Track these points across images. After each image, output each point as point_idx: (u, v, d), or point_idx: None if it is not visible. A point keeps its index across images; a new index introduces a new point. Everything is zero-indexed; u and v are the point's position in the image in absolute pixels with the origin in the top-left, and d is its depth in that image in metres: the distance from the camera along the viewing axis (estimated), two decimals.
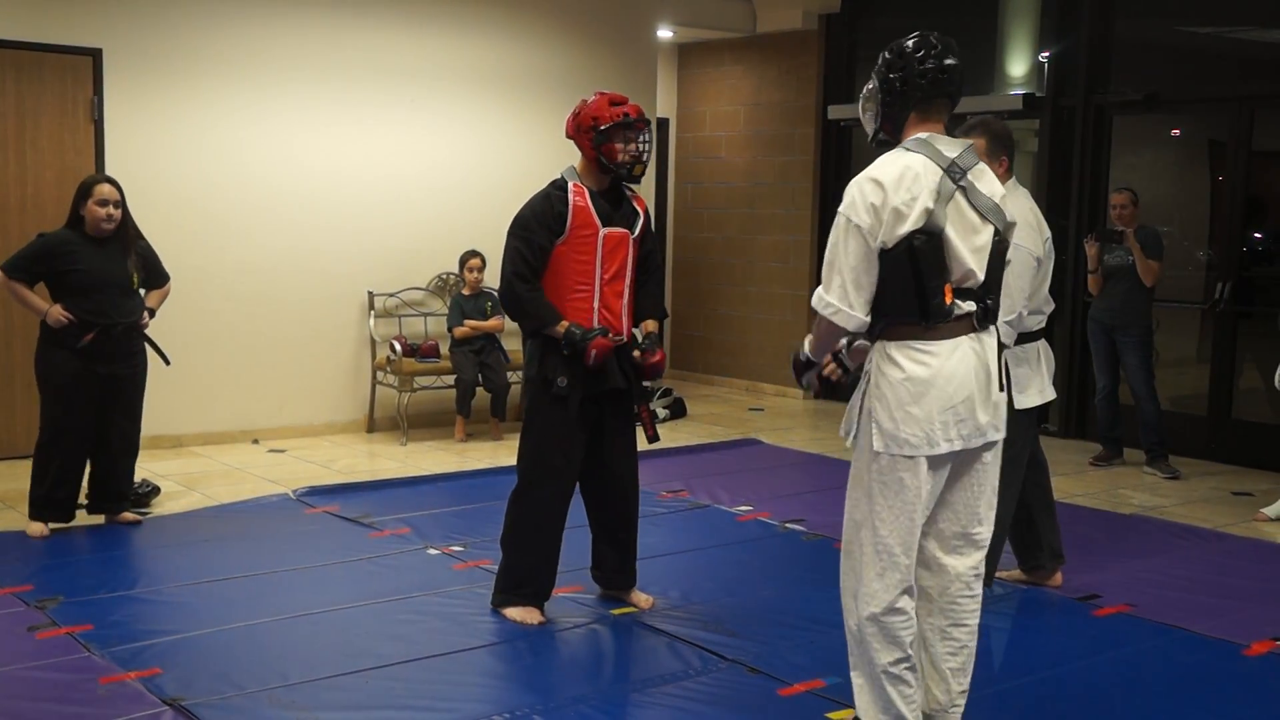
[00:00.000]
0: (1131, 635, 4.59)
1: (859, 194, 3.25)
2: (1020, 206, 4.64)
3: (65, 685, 3.89)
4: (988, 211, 3.30)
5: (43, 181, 7.08)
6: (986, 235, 3.30)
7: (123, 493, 5.80)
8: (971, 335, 3.31)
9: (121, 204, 5.54)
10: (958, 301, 3.28)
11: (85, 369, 5.50)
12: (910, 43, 3.35)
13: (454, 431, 8.12)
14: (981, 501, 3.42)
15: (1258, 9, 7.95)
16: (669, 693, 3.95)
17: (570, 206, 4.41)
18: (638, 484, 4.74)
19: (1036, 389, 4.79)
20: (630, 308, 4.57)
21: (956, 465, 3.37)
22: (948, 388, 3.26)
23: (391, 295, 8.43)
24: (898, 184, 3.21)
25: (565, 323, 4.38)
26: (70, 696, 3.80)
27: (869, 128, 3.50)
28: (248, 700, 3.79)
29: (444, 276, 8.59)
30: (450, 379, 8.14)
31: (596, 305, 4.45)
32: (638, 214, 4.59)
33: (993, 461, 3.42)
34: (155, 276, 5.81)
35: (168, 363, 5.88)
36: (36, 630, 4.38)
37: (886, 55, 3.40)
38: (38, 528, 5.60)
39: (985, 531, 3.44)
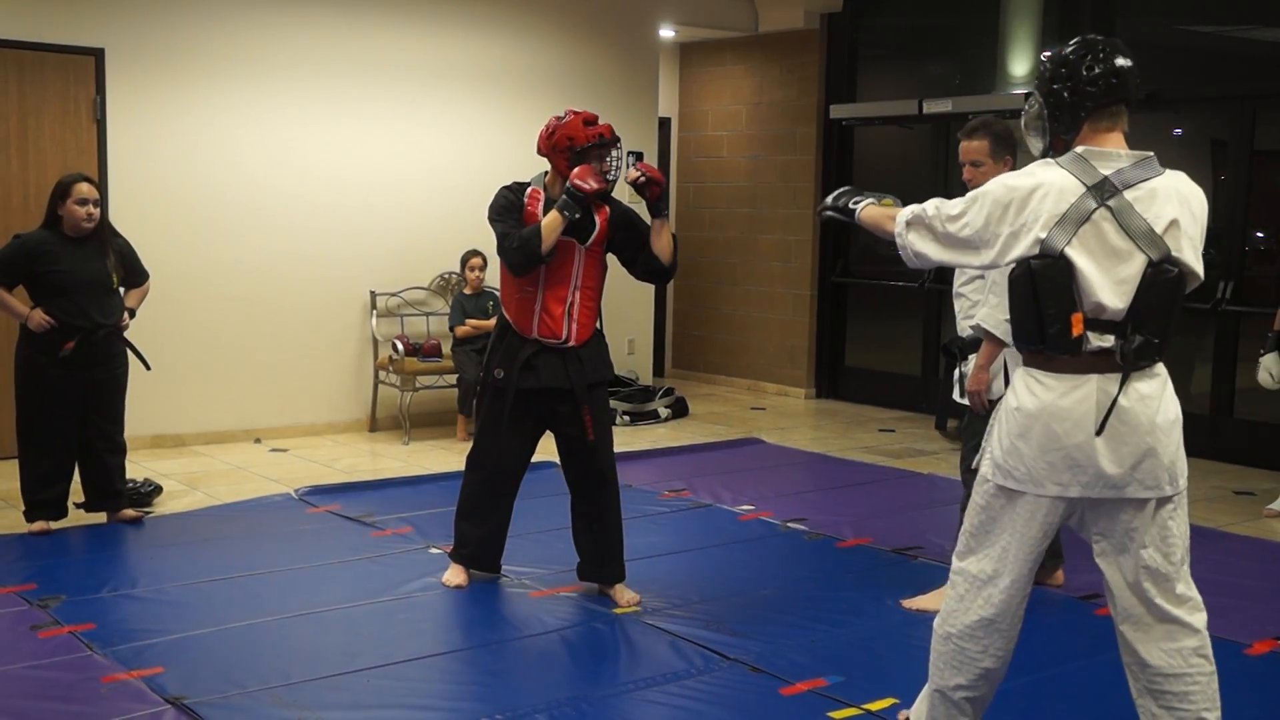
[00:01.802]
0: None
1: (994, 193, 3.03)
2: None
3: (67, 684, 3.89)
4: (1139, 236, 2.93)
5: (45, 181, 7.05)
6: (1136, 264, 2.93)
7: (117, 490, 5.79)
8: (1107, 375, 2.96)
9: (100, 203, 5.50)
10: (1090, 334, 2.95)
11: (67, 375, 5.45)
12: (1071, 48, 3.05)
13: (456, 431, 8.13)
14: (1156, 570, 3.04)
15: (1260, 8, 7.95)
16: (671, 692, 3.95)
17: (524, 207, 4.63)
18: (613, 476, 4.79)
19: None
20: (581, 315, 4.66)
21: (1103, 519, 3.07)
22: (1057, 426, 2.97)
23: (393, 295, 8.43)
24: (1024, 202, 2.97)
25: (551, 211, 4.53)
26: (72, 695, 3.81)
27: (1036, 147, 3.14)
28: (249, 699, 3.79)
29: (446, 276, 8.59)
30: (452, 378, 8.15)
31: (537, 309, 4.63)
32: (594, 225, 4.64)
33: (1165, 517, 3.03)
34: (134, 275, 5.76)
35: (148, 367, 5.85)
36: (39, 629, 4.38)
37: (1047, 65, 3.09)
38: (39, 527, 5.60)
39: (1184, 610, 3.07)
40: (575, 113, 4.68)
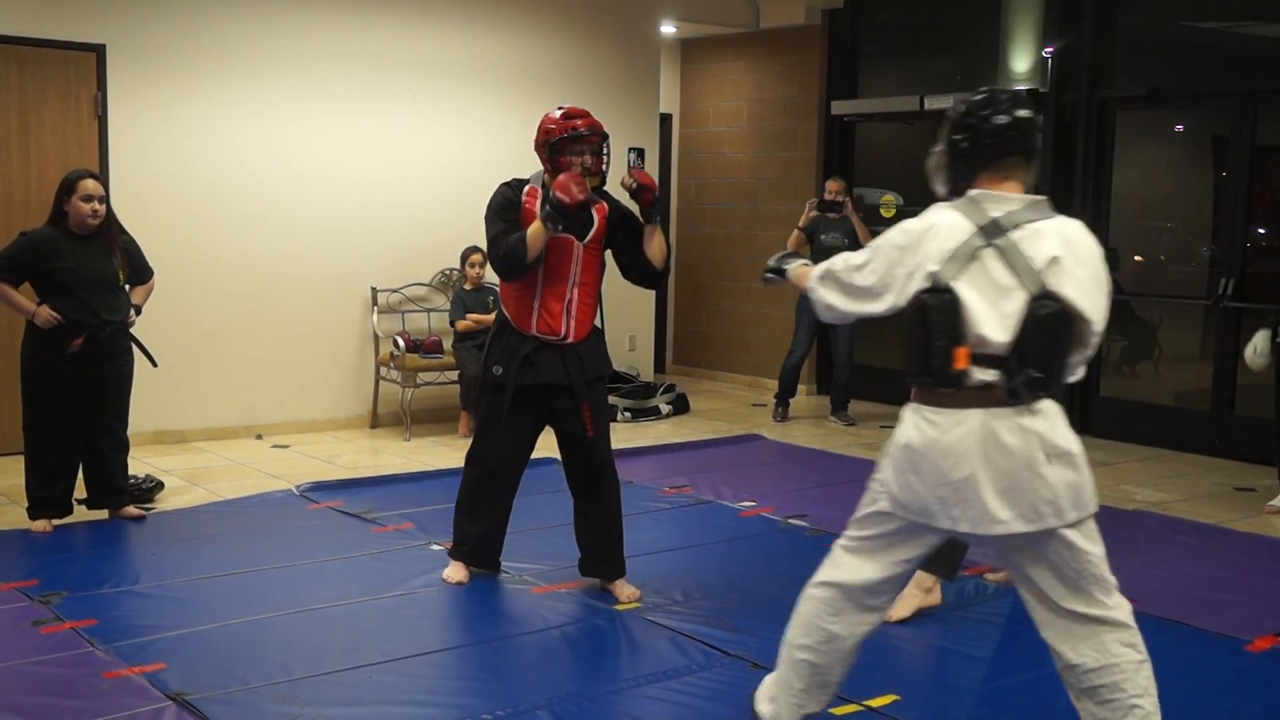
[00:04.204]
0: None
1: (892, 238, 3.20)
2: None
3: (69, 680, 3.90)
4: (1023, 273, 3.01)
5: (46, 178, 7.07)
6: (1019, 300, 3.01)
7: (120, 487, 5.79)
8: (990, 410, 3.02)
9: (105, 199, 5.50)
10: (974, 368, 3.03)
11: (74, 371, 5.46)
12: (976, 99, 3.19)
13: (458, 427, 8.13)
14: (1065, 592, 3.12)
15: (1261, 4, 7.94)
16: (671, 688, 3.95)
17: (521, 204, 4.67)
18: (612, 471, 4.80)
19: None
20: (579, 311, 4.67)
21: (1002, 549, 3.17)
22: (941, 463, 3.05)
23: (394, 291, 8.43)
24: (918, 244, 3.12)
25: (535, 222, 4.56)
26: (74, 691, 3.81)
27: (940, 191, 3.29)
28: (251, 695, 3.80)
29: (447, 272, 8.59)
30: (453, 374, 8.15)
31: (536, 305, 4.64)
32: (593, 221, 4.65)
33: (1062, 545, 3.08)
34: (140, 272, 5.75)
35: (154, 364, 5.86)
36: (41, 625, 4.39)
37: (951, 115, 3.23)
38: (40, 524, 5.60)
39: (1101, 609, 3.15)
40: (561, 108, 4.70)
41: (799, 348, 8.98)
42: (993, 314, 3.03)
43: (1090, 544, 3.12)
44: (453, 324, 8.18)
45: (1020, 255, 3.03)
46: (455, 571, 4.95)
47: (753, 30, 10.31)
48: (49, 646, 4.19)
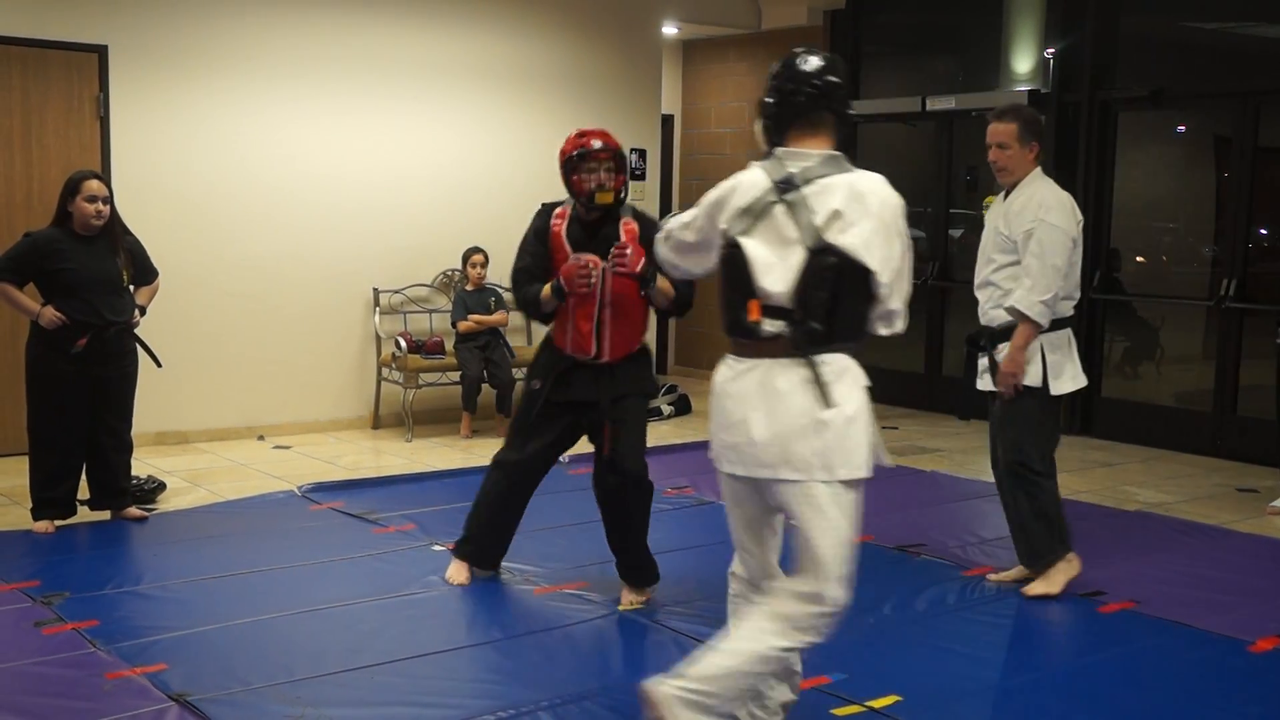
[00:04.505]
0: (1136, 632, 4.58)
1: (709, 196, 3.29)
2: (1048, 191, 4.73)
3: (71, 681, 3.90)
4: (805, 228, 3.09)
5: (48, 179, 7.07)
6: (800, 253, 3.09)
7: (122, 488, 5.79)
8: (776, 359, 3.12)
9: (109, 200, 5.51)
10: (765, 320, 3.13)
11: (78, 372, 5.46)
12: (782, 62, 3.28)
13: (459, 428, 8.13)
14: (804, 553, 3.19)
15: (1263, 5, 7.94)
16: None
17: (549, 229, 4.72)
18: (643, 484, 4.75)
19: (1070, 375, 4.82)
20: (613, 332, 4.68)
21: (775, 498, 3.22)
22: (726, 404, 3.19)
23: (396, 292, 8.43)
24: (725, 201, 3.22)
25: (547, 286, 4.65)
26: (76, 692, 3.81)
27: (763, 145, 3.36)
28: (253, 696, 3.80)
29: (449, 273, 8.59)
30: (455, 375, 8.15)
31: (569, 325, 4.70)
32: (618, 240, 4.63)
33: (805, 510, 3.15)
34: (144, 273, 5.76)
35: (159, 365, 5.86)
36: (43, 626, 4.39)
37: (771, 71, 3.31)
38: (43, 525, 5.60)
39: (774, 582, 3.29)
40: (580, 130, 4.78)
41: None
42: (778, 267, 3.12)
43: (827, 513, 3.16)
44: (454, 325, 8.19)
45: (806, 209, 3.11)
46: (457, 572, 4.96)
47: (754, 31, 10.31)
48: (51, 647, 4.19)
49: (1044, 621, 4.76)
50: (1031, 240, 4.63)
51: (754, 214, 3.16)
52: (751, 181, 3.20)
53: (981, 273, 4.88)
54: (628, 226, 4.68)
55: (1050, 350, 4.73)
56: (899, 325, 3.22)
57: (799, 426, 3.09)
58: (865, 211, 3.10)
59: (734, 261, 3.17)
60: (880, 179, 3.19)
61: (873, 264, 3.08)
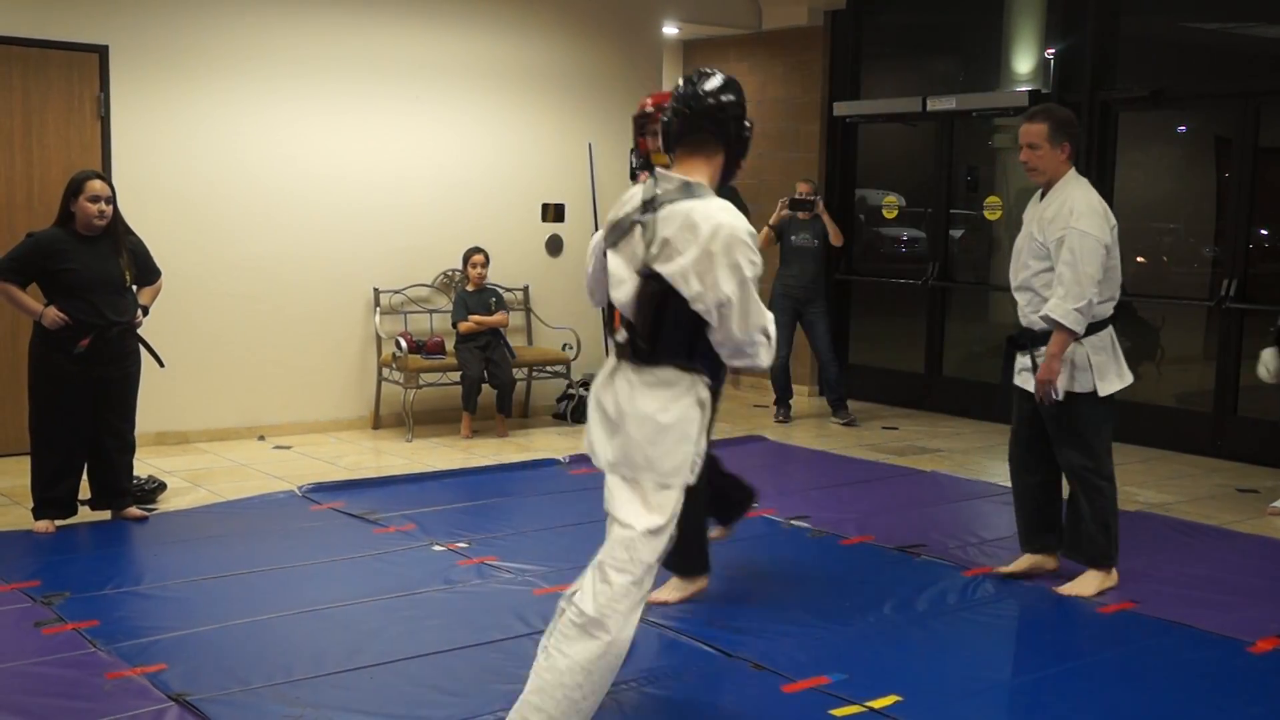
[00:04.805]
0: (1136, 632, 4.59)
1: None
2: (1081, 195, 4.75)
3: (71, 681, 3.90)
4: (642, 251, 3.25)
5: (49, 179, 7.08)
6: (635, 275, 3.28)
7: (124, 489, 5.80)
8: (621, 362, 3.33)
9: (112, 200, 5.51)
10: (621, 329, 3.37)
11: (81, 372, 5.46)
12: (687, 78, 3.40)
13: (460, 428, 8.13)
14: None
15: (1264, 5, 7.93)
16: (673, 688, 3.95)
17: None
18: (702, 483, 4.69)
19: (1115, 374, 4.90)
20: None
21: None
22: (591, 395, 3.43)
23: (397, 292, 8.44)
24: (618, 209, 3.39)
25: None
26: (76, 692, 3.82)
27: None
28: (253, 696, 3.80)
29: (449, 273, 8.59)
30: (456, 375, 8.15)
31: None
32: None
33: (608, 496, 3.31)
34: (147, 273, 5.77)
35: (162, 365, 5.87)
36: (43, 626, 4.39)
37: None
38: (43, 525, 5.61)
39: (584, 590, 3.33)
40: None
41: (780, 348, 8.98)
42: (627, 284, 3.31)
43: (637, 516, 3.23)
44: (455, 325, 8.19)
45: (651, 233, 3.25)
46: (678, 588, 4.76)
47: (755, 31, 10.31)
48: (51, 647, 4.19)
49: (1044, 621, 4.76)
50: (1063, 248, 4.66)
51: (620, 229, 3.33)
52: (630, 197, 3.37)
53: (1019, 276, 4.93)
54: None
55: (1095, 353, 4.81)
56: (757, 359, 3.31)
57: (626, 432, 3.27)
58: (693, 240, 3.19)
59: (602, 272, 3.42)
60: (720, 207, 3.24)
61: (689, 293, 3.19)
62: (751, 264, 3.20)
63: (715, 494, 5.06)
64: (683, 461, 3.27)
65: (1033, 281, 4.83)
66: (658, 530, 3.25)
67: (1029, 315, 4.88)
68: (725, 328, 3.23)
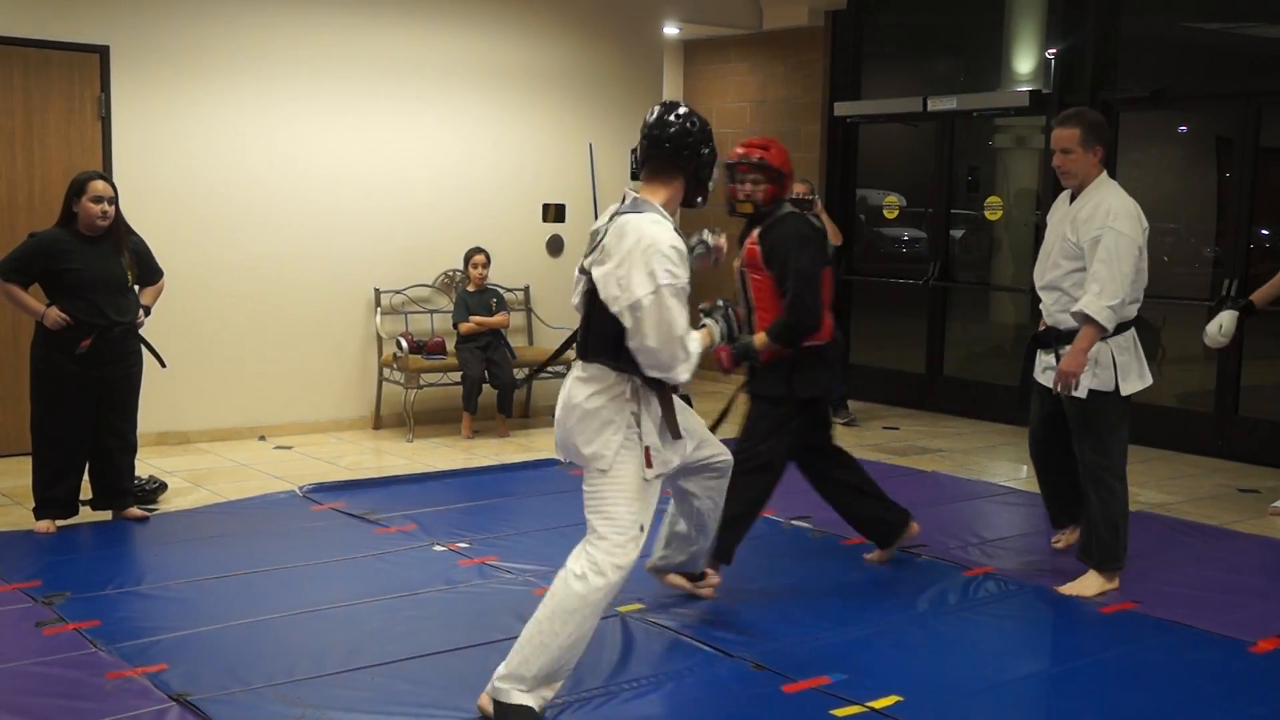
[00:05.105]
0: (1137, 632, 4.58)
1: None
2: (1115, 198, 4.82)
3: (72, 681, 3.90)
4: (594, 259, 3.64)
5: (50, 179, 7.09)
6: (586, 280, 3.68)
7: (125, 489, 5.80)
8: (577, 361, 3.76)
9: (114, 200, 5.50)
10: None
11: (82, 372, 5.46)
12: (654, 109, 3.75)
13: (460, 428, 8.13)
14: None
15: (1265, 5, 7.93)
16: (673, 689, 3.95)
17: None
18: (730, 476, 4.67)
19: (1137, 374, 4.92)
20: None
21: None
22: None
23: (398, 292, 8.44)
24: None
25: None
26: (77, 692, 3.82)
27: None
28: (254, 696, 3.80)
29: (450, 273, 8.59)
30: (456, 376, 8.15)
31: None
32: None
33: (589, 493, 3.68)
34: (149, 273, 5.77)
35: (163, 365, 5.87)
36: (44, 626, 4.39)
37: None
38: (44, 525, 5.61)
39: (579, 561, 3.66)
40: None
41: None
42: (579, 286, 3.73)
43: (604, 493, 3.64)
44: (455, 325, 8.19)
45: (598, 240, 3.66)
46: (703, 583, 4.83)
47: (756, 31, 10.31)
48: (52, 647, 4.20)
49: (1044, 622, 4.76)
50: (1100, 247, 4.72)
51: (594, 239, 3.69)
52: (606, 212, 3.73)
53: (1046, 275, 4.98)
54: (750, 236, 4.98)
55: (1119, 353, 4.85)
56: (674, 372, 3.62)
57: (567, 419, 3.68)
58: (619, 248, 3.56)
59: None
60: (649, 219, 3.58)
61: (605, 295, 3.55)
62: (669, 274, 3.48)
63: (871, 517, 5.25)
64: (602, 448, 3.61)
65: (1062, 281, 4.89)
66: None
67: (1055, 314, 4.95)
68: (639, 333, 3.52)
